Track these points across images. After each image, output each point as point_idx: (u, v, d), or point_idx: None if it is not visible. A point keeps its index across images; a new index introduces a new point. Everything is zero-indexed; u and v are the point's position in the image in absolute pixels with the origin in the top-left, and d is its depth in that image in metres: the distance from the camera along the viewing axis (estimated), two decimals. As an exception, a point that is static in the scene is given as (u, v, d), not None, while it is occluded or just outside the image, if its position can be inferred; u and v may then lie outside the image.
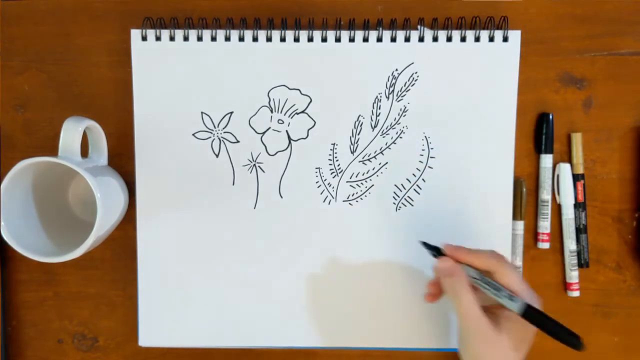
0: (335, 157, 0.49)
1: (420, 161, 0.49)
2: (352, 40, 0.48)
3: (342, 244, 0.49)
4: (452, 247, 0.43)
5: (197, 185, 0.49)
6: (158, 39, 0.48)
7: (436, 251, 0.43)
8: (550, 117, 0.49)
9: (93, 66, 0.50)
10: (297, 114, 0.48)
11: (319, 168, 0.49)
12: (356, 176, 0.49)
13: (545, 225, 0.50)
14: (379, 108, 0.48)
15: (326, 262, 0.49)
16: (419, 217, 0.49)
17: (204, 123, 0.48)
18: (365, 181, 0.49)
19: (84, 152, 0.45)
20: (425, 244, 0.44)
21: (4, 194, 0.42)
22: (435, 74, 0.48)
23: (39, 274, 0.51)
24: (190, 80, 0.48)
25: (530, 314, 0.39)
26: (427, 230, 0.49)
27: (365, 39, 0.48)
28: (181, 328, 0.49)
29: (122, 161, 0.50)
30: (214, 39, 0.48)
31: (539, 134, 0.50)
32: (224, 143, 0.49)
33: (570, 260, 0.50)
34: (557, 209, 0.50)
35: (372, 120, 0.48)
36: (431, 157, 0.49)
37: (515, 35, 0.47)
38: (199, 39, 0.48)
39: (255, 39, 0.48)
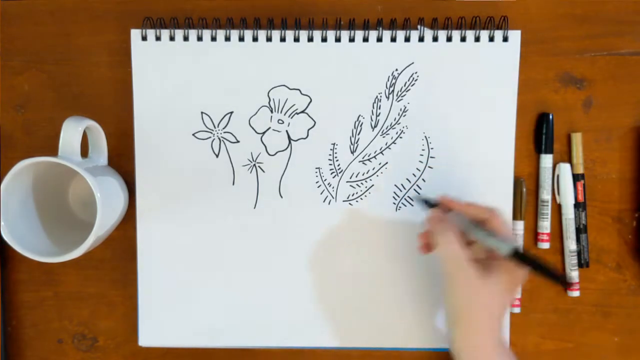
0: (335, 157, 0.49)
1: (420, 161, 0.49)
2: (352, 40, 0.48)
3: (342, 244, 0.49)
4: (448, 198, 0.43)
5: (197, 185, 0.49)
6: (158, 39, 0.48)
7: (431, 205, 0.44)
8: (550, 117, 0.49)
9: (93, 66, 0.50)
10: (297, 114, 0.48)
11: (319, 168, 0.49)
12: (356, 176, 0.49)
13: (545, 225, 0.50)
14: (379, 108, 0.48)
15: (326, 262, 0.49)
16: (419, 217, 0.49)
17: (204, 123, 0.48)
18: (365, 181, 0.49)
19: (84, 152, 0.45)
20: (422, 199, 0.44)
21: (4, 194, 0.42)
22: (435, 74, 0.48)
23: (39, 274, 0.51)
24: (190, 80, 0.48)
25: (519, 254, 0.39)
26: (427, 230, 0.49)
27: (365, 39, 0.48)
28: (181, 328, 0.49)
29: (122, 161, 0.50)
30: (214, 39, 0.48)
31: (539, 134, 0.50)
32: (224, 143, 0.49)
33: (570, 260, 0.50)
34: (557, 209, 0.50)
35: (372, 120, 0.48)
36: (431, 157, 0.49)
37: (515, 35, 0.47)
38: (199, 39, 0.48)
39: (255, 39, 0.48)
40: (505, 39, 0.47)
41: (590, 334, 0.51)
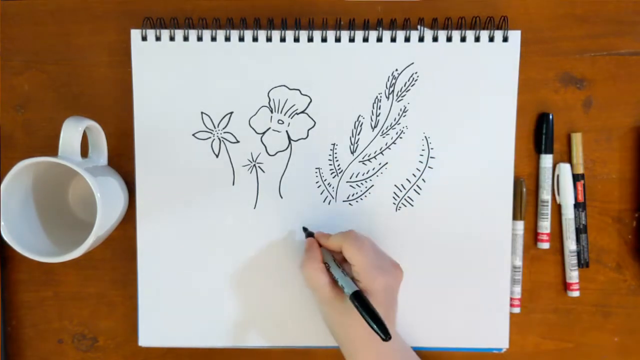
0: (335, 157, 0.49)
1: (420, 161, 0.49)
2: (352, 40, 0.48)
3: (342, 244, 0.49)
4: (319, 234, 0.47)
5: (197, 186, 0.49)
6: (158, 39, 0.48)
7: (308, 235, 0.48)
8: (550, 117, 0.49)
9: (93, 66, 0.50)
10: (297, 114, 0.48)
11: (319, 168, 0.49)
12: (356, 176, 0.49)
13: (545, 225, 0.50)
14: (379, 108, 0.48)
15: (326, 262, 0.49)
16: (419, 217, 0.49)
17: (204, 123, 0.48)
18: (365, 181, 0.49)
19: (84, 152, 0.45)
20: (303, 228, 0.48)
21: (4, 194, 0.42)
22: (435, 74, 0.48)
23: (39, 274, 0.51)
24: (190, 80, 0.48)
25: (353, 301, 0.40)
26: (427, 230, 0.49)
27: (365, 39, 0.48)
28: (181, 328, 0.49)
29: (122, 161, 0.50)
30: (214, 39, 0.48)
31: (539, 134, 0.50)
32: (224, 143, 0.49)
33: (570, 260, 0.50)
34: (557, 209, 0.50)
35: (372, 120, 0.48)
36: (431, 157, 0.49)
37: (515, 35, 0.47)
38: (199, 39, 0.48)
39: (255, 39, 0.48)
40: (505, 39, 0.47)
41: (590, 334, 0.51)
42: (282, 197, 0.49)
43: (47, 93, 0.50)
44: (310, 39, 0.48)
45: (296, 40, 0.48)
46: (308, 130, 0.49)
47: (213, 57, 0.48)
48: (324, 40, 0.48)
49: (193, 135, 0.49)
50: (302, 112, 0.48)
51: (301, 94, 0.48)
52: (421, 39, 0.48)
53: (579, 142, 0.50)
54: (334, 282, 0.44)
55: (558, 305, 0.51)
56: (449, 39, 0.48)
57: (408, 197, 0.49)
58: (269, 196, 0.49)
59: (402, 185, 0.49)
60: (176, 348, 0.51)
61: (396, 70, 0.48)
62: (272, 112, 0.48)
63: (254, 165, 0.49)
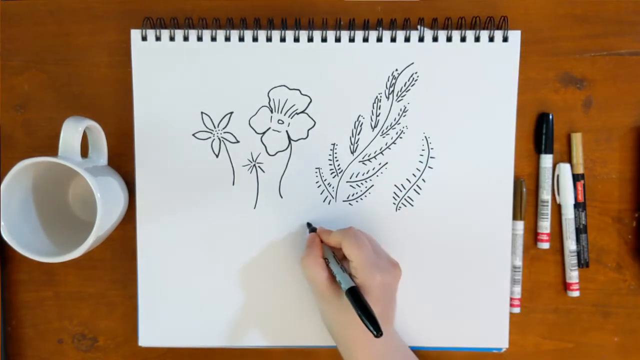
0: (335, 157, 0.49)
1: (420, 161, 0.49)
2: (352, 40, 0.48)
3: (342, 244, 0.49)
4: (321, 229, 0.47)
5: (197, 185, 0.49)
6: (158, 39, 0.48)
7: (311, 230, 0.48)
8: (550, 117, 0.49)
9: (93, 66, 0.50)
10: (297, 114, 0.48)
11: (319, 168, 0.49)
12: (356, 176, 0.49)
13: (545, 225, 0.50)
14: (379, 108, 0.48)
15: (326, 262, 0.49)
16: (419, 217, 0.49)
17: (204, 123, 0.48)
18: (365, 181, 0.49)
19: (84, 152, 0.45)
20: (307, 223, 0.49)
21: (4, 194, 0.42)
22: (435, 74, 0.48)
23: (39, 274, 0.51)
24: (190, 80, 0.48)
25: (348, 296, 0.41)
26: (427, 230, 0.49)
27: (365, 39, 0.48)
28: (181, 328, 0.49)
29: (122, 161, 0.50)
30: (214, 39, 0.48)
31: (539, 134, 0.50)
32: (224, 143, 0.49)
33: (570, 260, 0.50)
34: (557, 209, 0.50)
35: (372, 120, 0.48)
36: (431, 157, 0.49)
37: (515, 35, 0.47)
38: (199, 39, 0.48)
39: (255, 39, 0.48)
40: (505, 39, 0.47)
41: (590, 334, 0.51)
42: (282, 197, 0.49)
43: (47, 93, 0.50)
44: (310, 39, 0.48)
45: (296, 40, 0.48)
46: (308, 130, 0.49)
47: (213, 57, 0.48)
48: (324, 40, 0.48)
49: (193, 135, 0.49)
50: (302, 112, 0.48)
51: (301, 94, 0.48)
52: (421, 39, 0.48)
53: (579, 142, 0.50)
54: (332, 278, 0.44)
55: (558, 305, 0.51)
56: (449, 39, 0.48)
57: (408, 197, 0.49)
58: (269, 196, 0.49)
59: (402, 185, 0.49)
60: (176, 348, 0.51)
61: (396, 70, 0.48)
62: (272, 112, 0.48)
63: (254, 165, 0.49)
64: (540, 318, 0.51)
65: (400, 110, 0.48)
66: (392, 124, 0.48)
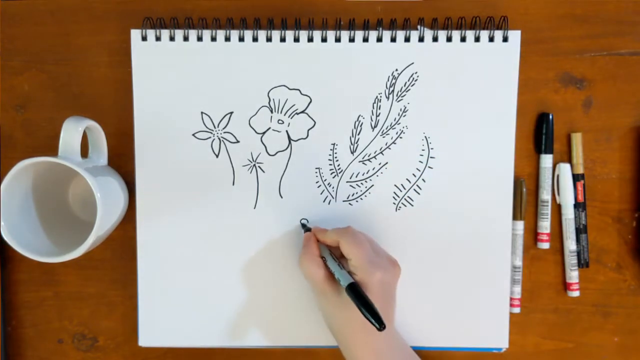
0: (335, 157, 0.49)
1: (420, 161, 0.49)
2: (352, 40, 0.48)
3: (342, 244, 0.49)
4: (316, 228, 0.47)
5: (197, 185, 0.49)
6: (158, 39, 0.48)
7: (306, 230, 0.48)
8: (550, 117, 0.49)
9: (93, 66, 0.50)
10: (297, 114, 0.48)
11: (319, 168, 0.49)
12: (356, 176, 0.49)
13: (545, 225, 0.50)
14: (379, 108, 0.48)
15: (326, 262, 0.49)
16: (419, 217, 0.49)
17: (204, 123, 0.48)
18: (365, 181, 0.49)
19: (84, 152, 0.45)
20: (301, 223, 0.49)
21: (4, 194, 0.42)
22: (435, 74, 0.48)
23: (39, 274, 0.51)
24: (190, 80, 0.48)
25: (348, 292, 0.41)
26: (427, 230, 0.49)
27: (365, 39, 0.48)
28: (181, 328, 0.49)
29: (122, 161, 0.50)
30: (214, 39, 0.48)
31: (539, 134, 0.50)
32: (224, 143, 0.49)
33: (570, 260, 0.50)
34: (557, 209, 0.50)
35: (372, 120, 0.48)
36: (431, 157, 0.49)
37: (515, 35, 0.47)
38: (199, 39, 0.48)
39: (255, 39, 0.48)
40: (505, 39, 0.47)
41: (590, 334, 0.51)
42: (282, 197, 0.49)
43: (47, 93, 0.50)
44: (310, 39, 0.48)
45: (296, 40, 0.48)
46: (308, 130, 0.49)
47: (213, 57, 0.48)
48: (324, 40, 0.48)
49: (193, 135, 0.49)
50: (302, 112, 0.48)
51: (301, 94, 0.48)
52: (421, 39, 0.48)
53: (579, 142, 0.50)
54: (331, 276, 0.44)
55: (558, 305, 0.51)
56: (449, 39, 0.48)
57: (408, 197, 0.49)
58: (269, 196, 0.49)
59: (402, 185, 0.49)
60: (176, 348, 0.51)
61: (396, 70, 0.48)
62: (272, 112, 0.48)
63: (254, 165, 0.49)
64: (540, 318, 0.51)
65: (400, 110, 0.48)
66: (392, 124, 0.48)
